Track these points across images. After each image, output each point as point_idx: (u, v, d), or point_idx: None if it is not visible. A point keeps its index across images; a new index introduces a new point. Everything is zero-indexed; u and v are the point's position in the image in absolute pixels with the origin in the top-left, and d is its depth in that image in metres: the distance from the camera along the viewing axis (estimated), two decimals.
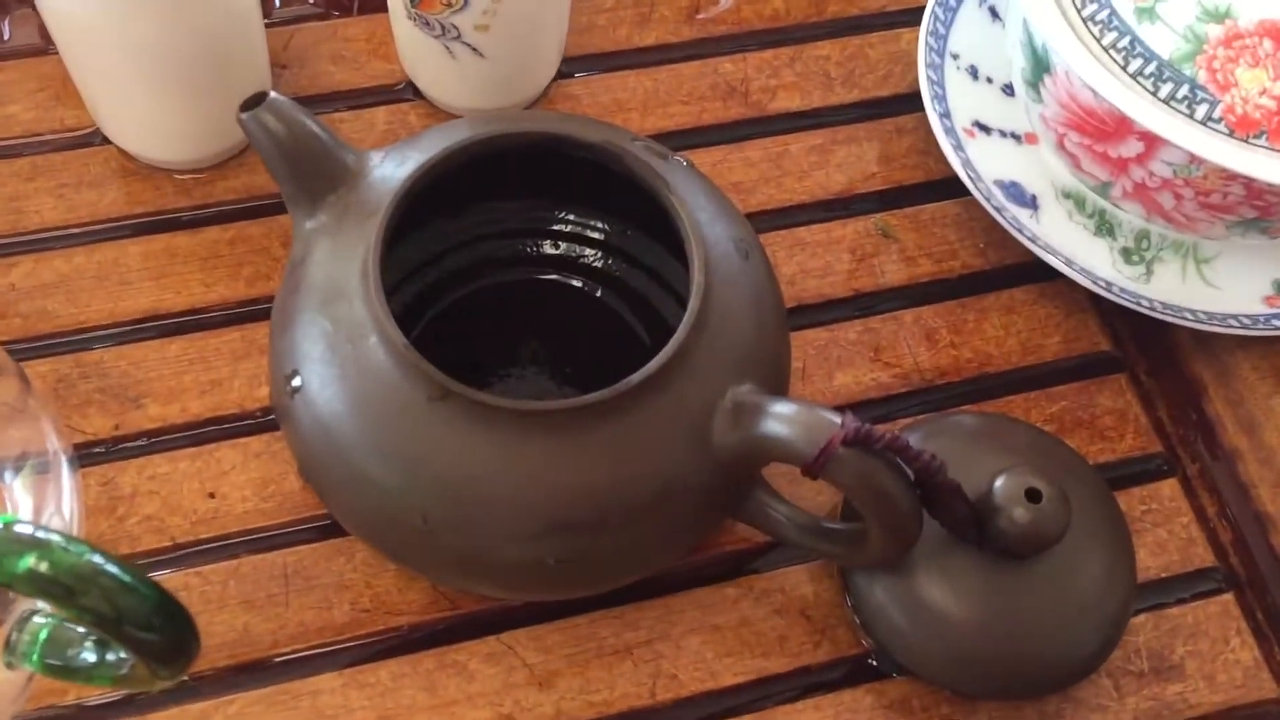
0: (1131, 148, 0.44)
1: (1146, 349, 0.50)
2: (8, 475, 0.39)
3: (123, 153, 0.50)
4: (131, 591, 0.31)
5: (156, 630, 0.31)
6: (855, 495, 0.37)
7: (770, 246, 0.50)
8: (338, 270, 0.39)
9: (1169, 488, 0.47)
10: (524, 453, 0.36)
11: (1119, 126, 0.44)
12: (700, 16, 0.56)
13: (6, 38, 0.53)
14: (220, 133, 0.49)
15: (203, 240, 0.49)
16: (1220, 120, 0.42)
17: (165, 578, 0.42)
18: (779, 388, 0.40)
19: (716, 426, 0.37)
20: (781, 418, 0.37)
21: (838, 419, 0.36)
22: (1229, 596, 0.45)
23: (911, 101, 0.54)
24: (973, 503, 0.39)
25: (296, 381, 0.38)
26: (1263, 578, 0.46)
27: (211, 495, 0.44)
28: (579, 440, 0.37)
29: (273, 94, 0.39)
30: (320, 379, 0.38)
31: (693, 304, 0.38)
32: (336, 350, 0.38)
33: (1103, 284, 0.48)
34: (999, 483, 0.40)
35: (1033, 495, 0.39)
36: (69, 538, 0.31)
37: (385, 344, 0.37)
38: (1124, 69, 0.43)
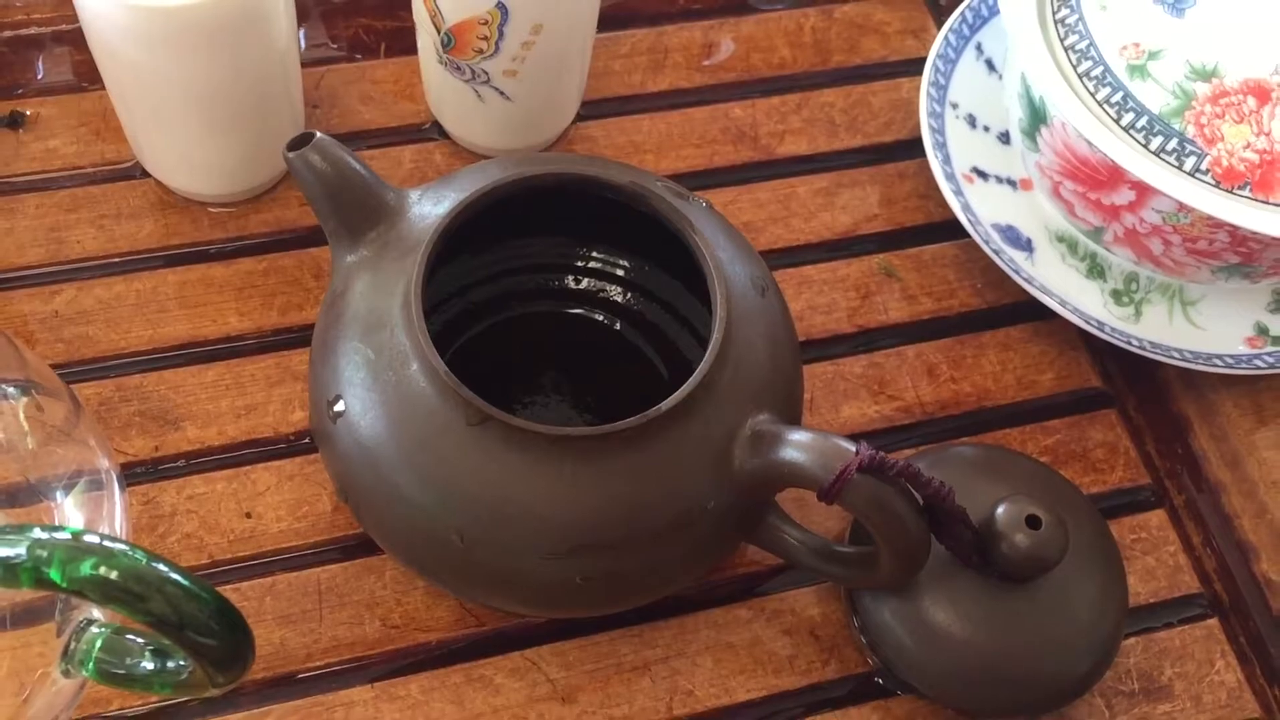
0: (1123, 196, 0.47)
1: (1135, 386, 0.53)
2: (59, 495, 0.41)
3: (161, 186, 0.52)
4: (193, 597, 0.33)
5: (216, 635, 0.33)
6: (868, 519, 0.39)
7: (780, 284, 0.52)
8: (379, 302, 0.41)
9: (1157, 518, 0.50)
10: (556, 476, 0.38)
11: (1112, 176, 0.46)
12: (706, 63, 0.59)
13: (43, 76, 0.55)
14: (255, 168, 0.51)
15: (237, 271, 0.51)
16: (1207, 172, 0.45)
17: None
18: (794, 417, 0.43)
19: (737, 453, 0.40)
20: (799, 445, 0.39)
21: (852, 447, 0.38)
22: (1214, 621, 0.48)
23: (912, 148, 0.57)
24: (976, 528, 0.42)
25: (339, 406, 0.40)
26: (1245, 604, 0.48)
27: (248, 515, 0.46)
28: (608, 465, 0.39)
29: (318, 135, 0.42)
30: (362, 403, 0.40)
31: (715, 338, 0.40)
32: (378, 377, 0.40)
33: (1094, 324, 0.50)
34: (1001, 510, 0.42)
35: (1033, 522, 0.41)
36: (132, 546, 0.33)
37: (426, 371, 0.39)
38: (1117, 122, 0.46)
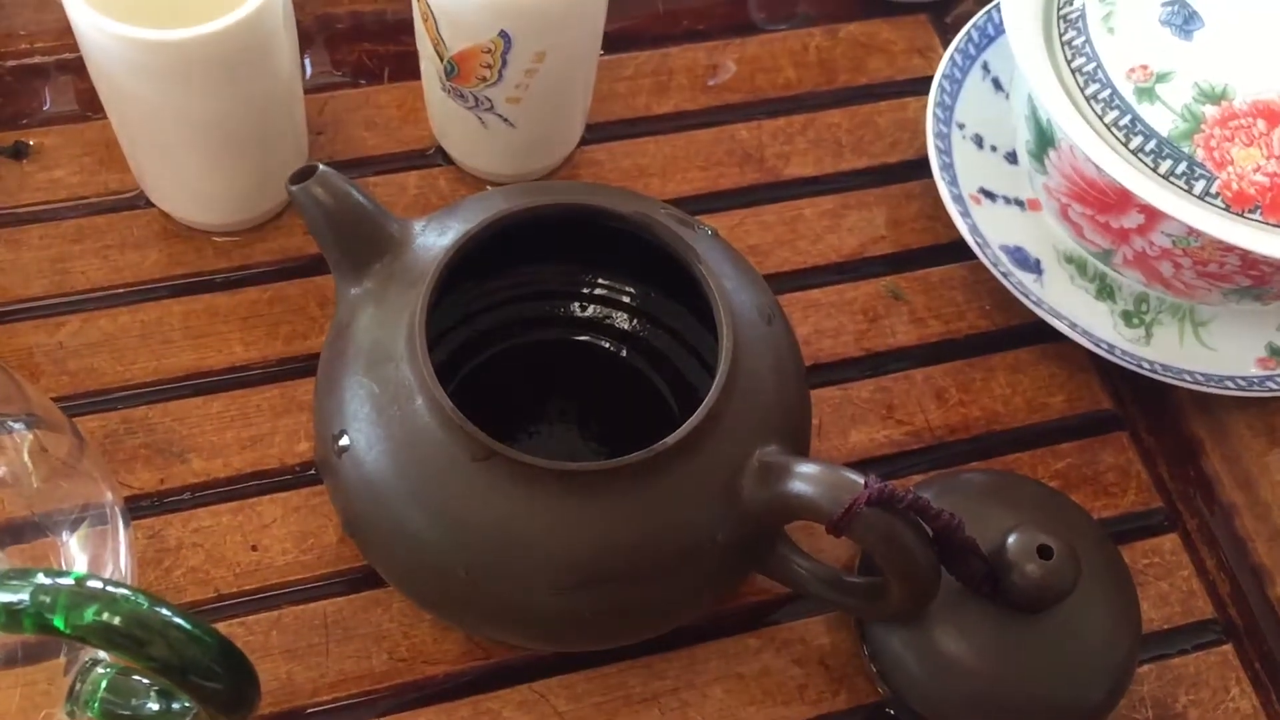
0: (1132, 219, 0.46)
1: (1146, 407, 0.52)
2: (64, 532, 0.41)
3: (165, 215, 0.52)
4: (196, 641, 0.33)
5: (220, 679, 0.33)
6: (877, 552, 0.39)
7: (786, 307, 0.52)
8: (383, 335, 0.41)
9: (1170, 542, 0.49)
10: (563, 510, 0.38)
11: (1120, 199, 0.46)
12: (711, 83, 0.59)
13: (47, 105, 0.55)
14: (259, 197, 0.51)
15: (242, 300, 0.50)
16: (1217, 195, 0.44)
17: None
18: (801, 447, 0.42)
19: (745, 486, 0.39)
20: (807, 478, 0.39)
21: (860, 479, 0.38)
22: (1228, 647, 0.47)
23: (919, 168, 0.56)
24: (987, 558, 0.41)
25: (344, 441, 0.40)
26: (1260, 629, 0.48)
27: (254, 548, 0.46)
28: (615, 499, 0.38)
29: (322, 167, 0.41)
30: (367, 439, 0.40)
31: (722, 369, 0.40)
32: (383, 411, 0.39)
33: (1105, 347, 0.50)
34: (1012, 539, 0.41)
35: (1044, 552, 0.41)
36: (135, 590, 0.32)
37: (431, 406, 0.39)
38: (1125, 145, 0.46)
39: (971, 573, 0.41)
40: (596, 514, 0.38)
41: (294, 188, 0.42)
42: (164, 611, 0.32)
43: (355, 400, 0.40)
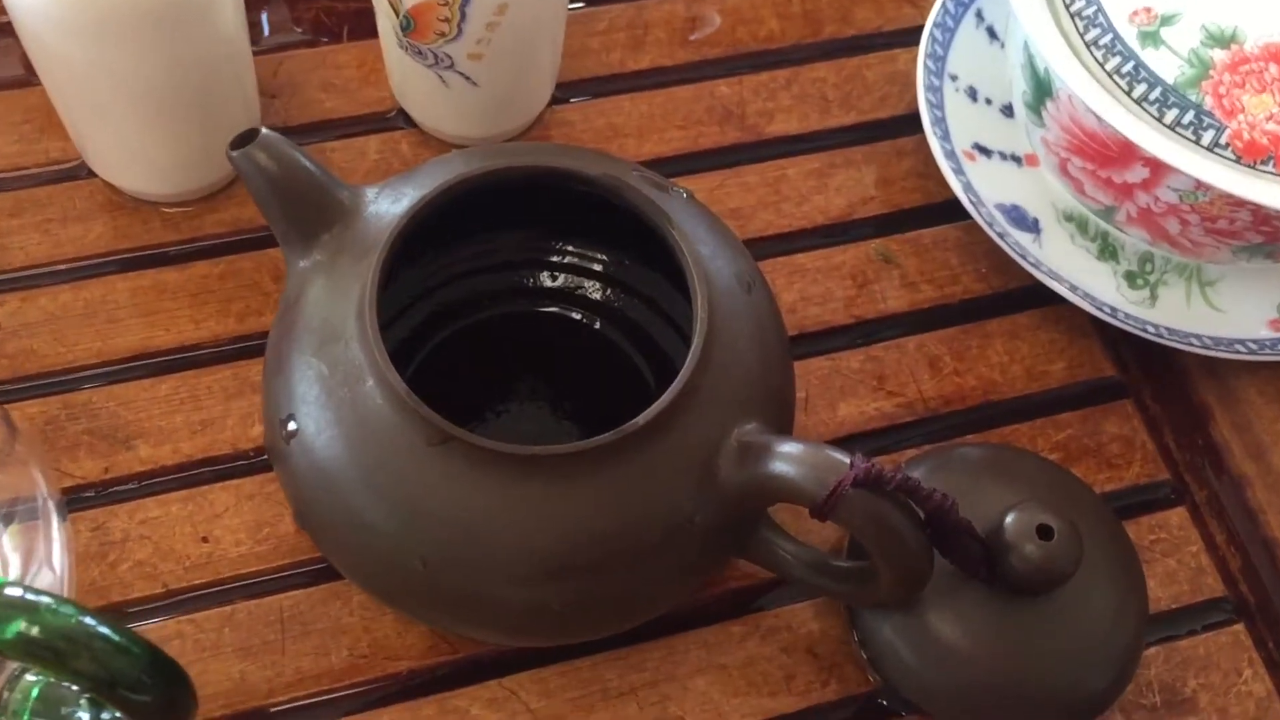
0: (1136, 174, 0.43)
1: (1152, 373, 0.50)
2: None
3: (109, 186, 0.49)
4: (124, 652, 0.30)
5: (150, 690, 0.31)
6: (865, 537, 0.36)
7: (770, 274, 0.49)
8: (333, 311, 0.38)
9: (1177, 516, 0.47)
10: (526, 497, 0.36)
11: (1123, 152, 0.43)
12: (694, 38, 0.55)
13: None
14: (208, 165, 0.48)
15: (192, 275, 0.48)
16: (1227, 146, 0.41)
17: (158, 626, 0.41)
18: (784, 424, 0.40)
19: (722, 467, 0.37)
20: (789, 458, 0.36)
21: (846, 459, 0.35)
22: (1240, 627, 0.45)
23: (910, 123, 0.53)
24: (983, 540, 0.39)
25: (292, 426, 0.37)
26: (1273, 606, 0.45)
27: (205, 539, 0.43)
28: (582, 484, 0.36)
29: (264, 131, 0.39)
30: (316, 423, 0.37)
31: (696, 343, 0.37)
32: (332, 394, 0.37)
33: (1107, 310, 0.47)
34: (1010, 519, 0.39)
35: (1044, 532, 0.38)
36: (59, 599, 0.30)
37: (383, 388, 0.36)
38: (1128, 94, 0.43)
39: (967, 555, 0.39)
40: (562, 501, 0.36)
41: (235, 153, 0.39)
42: (88, 621, 0.30)
43: (304, 382, 0.37)
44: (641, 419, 0.36)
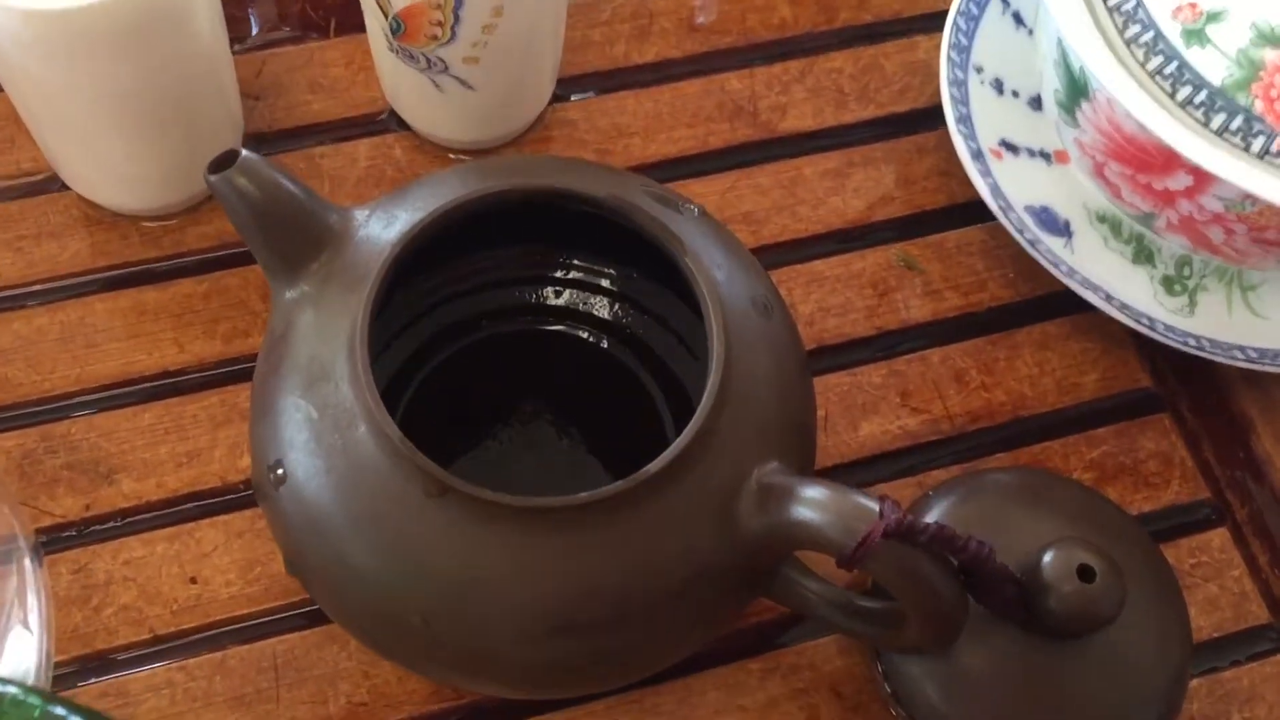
0: (1179, 181, 0.41)
1: (1189, 383, 0.47)
2: None
3: (85, 200, 0.46)
4: None
5: None
6: (895, 588, 0.34)
7: (786, 283, 0.47)
8: (322, 348, 0.35)
9: (1219, 537, 0.44)
10: (532, 551, 0.33)
11: (1166, 159, 0.40)
12: (699, 22, 0.52)
13: None
14: (189, 176, 0.45)
15: (175, 294, 0.45)
16: (1279, 154, 0.38)
17: (146, 675, 0.39)
18: (805, 460, 0.37)
19: (742, 512, 0.34)
20: (814, 504, 0.33)
21: (875, 506, 0.33)
22: None
23: (932, 117, 0.51)
24: (1021, 582, 0.36)
25: (281, 471, 0.35)
26: None
27: (193, 580, 0.41)
28: (592, 536, 0.33)
29: (244, 153, 0.36)
30: (305, 470, 0.34)
31: (712, 380, 0.34)
32: (322, 440, 0.34)
33: (1145, 322, 0.44)
34: (1048, 558, 0.36)
35: (1085, 573, 0.36)
36: (25, 689, 0.28)
37: (376, 435, 0.33)
38: (1171, 97, 0.40)
39: (1003, 600, 0.36)
40: (571, 554, 0.33)
41: (213, 178, 0.36)
42: (57, 712, 0.27)
43: (291, 425, 0.35)
44: (655, 465, 0.33)
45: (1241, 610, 0.43)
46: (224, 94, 0.45)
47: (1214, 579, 0.44)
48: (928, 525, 0.33)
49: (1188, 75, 0.40)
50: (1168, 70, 0.40)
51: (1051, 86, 0.44)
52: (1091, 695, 0.38)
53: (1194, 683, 0.42)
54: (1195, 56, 0.40)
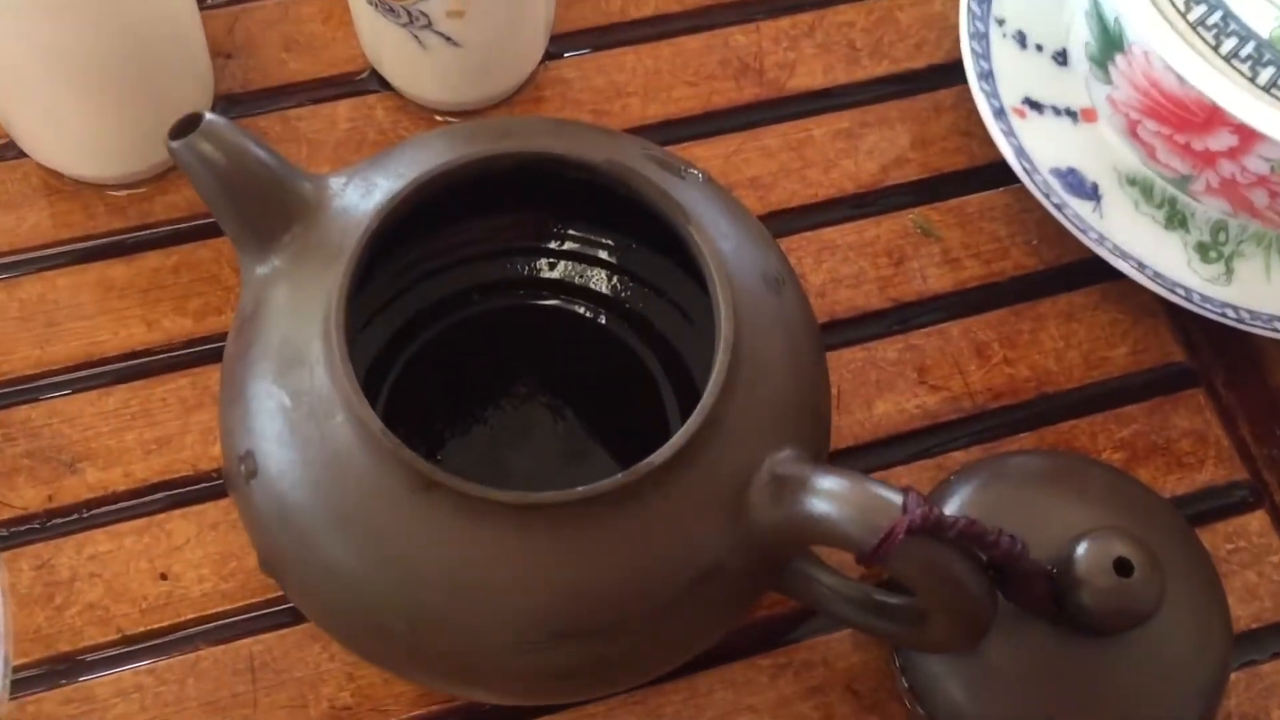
0: (1222, 141, 0.38)
1: (1225, 354, 0.44)
2: None
3: (44, 168, 0.43)
4: None
5: None
6: (920, 588, 0.31)
7: (796, 253, 0.44)
8: (296, 329, 0.32)
9: (1257, 521, 0.42)
10: (525, 550, 0.31)
11: (1208, 117, 0.37)
12: None
13: None
14: (156, 142, 0.41)
15: (142, 268, 0.42)
16: None
17: (113, 678, 0.37)
18: (820, 446, 0.35)
19: (754, 505, 0.32)
20: (832, 496, 0.31)
21: (898, 499, 0.30)
22: None
23: (950, 73, 0.48)
24: (1053, 578, 0.34)
25: (251, 464, 0.32)
26: None
27: (163, 576, 0.38)
28: (592, 533, 0.31)
29: (208, 116, 0.33)
30: (278, 463, 0.32)
31: (720, 360, 0.32)
32: (297, 430, 0.32)
33: (1181, 292, 0.42)
34: (1082, 550, 0.34)
35: (1122, 567, 0.33)
36: None
37: (354, 424, 0.31)
38: (1215, 50, 0.37)
39: (1033, 596, 0.34)
40: (568, 553, 0.31)
41: (175, 144, 0.33)
42: None
43: (263, 415, 0.32)
44: (659, 456, 0.31)
45: None
46: (191, 53, 0.42)
47: (1252, 565, 0.41)
48: (956, 520, 0.30)
49: (1233, 26, 0.37)
50: (1211, 20, 0.37)
51: (1082, 39, 0.41)
52: (1125, 694, 0.36)
53: (1233, 676, 0.39)
54: (1241, 6, 0.37)
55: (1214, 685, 0.37)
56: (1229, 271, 0.43)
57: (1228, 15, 0.37)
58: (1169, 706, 0.36)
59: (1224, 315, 0.42)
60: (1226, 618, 0.37)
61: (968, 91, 0.45)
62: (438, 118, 0.45)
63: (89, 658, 0.37)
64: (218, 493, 0.39)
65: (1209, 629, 0.37)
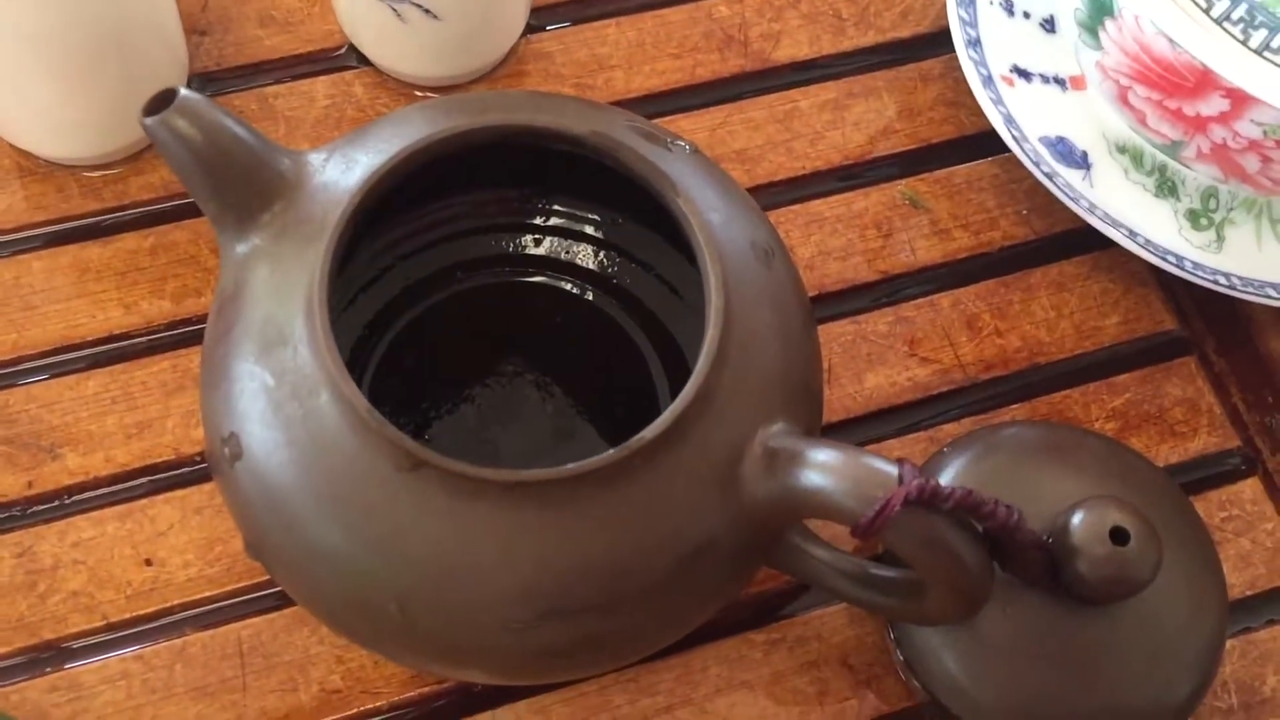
0: (1213, 105, 0.37)
1: (1216, 322, 0.44)
2: None
3: (16, 149, 0.42)
4: None
5: None
6: (916, 560, 0.31)
7: (784, 226, 0.43)
8: (277, 308, 0.32)
9: (1250, 488, 0.42)
10: (516, 529, 0.30)
11: (1200, 81, 0.37)
12: None
13: None
14: (130, 121, 0.40)
15: (119, 250, 0.42)
16: None
17: (99, 665, 0.36)
18: (813, 419, 0.34)
19: (746, 480, 0.31)
20: (826, 469, 0.30)
21: (893, 470, 0.30)
22: None
23: (936, 42, 0.47)
24: (1049, 548, 0.34)
25: (235, 446, 0.31)
26: None
27: (148, 562, 0.37)
28: (583, 511, 0.30)
29: (183, 91, 0.32)
30: (263, 445, 0.31)
31: (711, 334, 0.31)
32: (280, 410, 0.31)
33: (1172, 259, 0.41)
34: (1078, 520, 0.34)
35: (1118, 535, 0.33)
36: None
37: (340, 403, 0.30)
38: (1206, 12, 0.36)
39: (1029, 566, 0.33)
40: (559, 531, 0.30)
41: (149, 121, 0.33)
42: None
43: (245, 395, 0.32)
44: (650, 431, 0.30)
45: (1275, 566, 0.41)
46: (165, 29, 0.41)
47: (1245, 533, 0.41)
48: (952, 490, 0.30)
49: None
50: None
51: (1071, 4, 0.41)
52: (1121, 663, 0.36)
53: (1228, 644, 0.39)
54: None
55: (1209, 652, 0.37)
56: (1220, 239, 0.43)
57: None
58: (1165, 674, 0.36)
59: (1215, 282, 0.41)
60: (1221, 585, 0.37)
61: (955, 60, 0.45)
62: (417, 93, 0.45)
63: (74, 645, 0.37)
64: (201, 477, 0.39)
65: (1204, 597, 0.37)
